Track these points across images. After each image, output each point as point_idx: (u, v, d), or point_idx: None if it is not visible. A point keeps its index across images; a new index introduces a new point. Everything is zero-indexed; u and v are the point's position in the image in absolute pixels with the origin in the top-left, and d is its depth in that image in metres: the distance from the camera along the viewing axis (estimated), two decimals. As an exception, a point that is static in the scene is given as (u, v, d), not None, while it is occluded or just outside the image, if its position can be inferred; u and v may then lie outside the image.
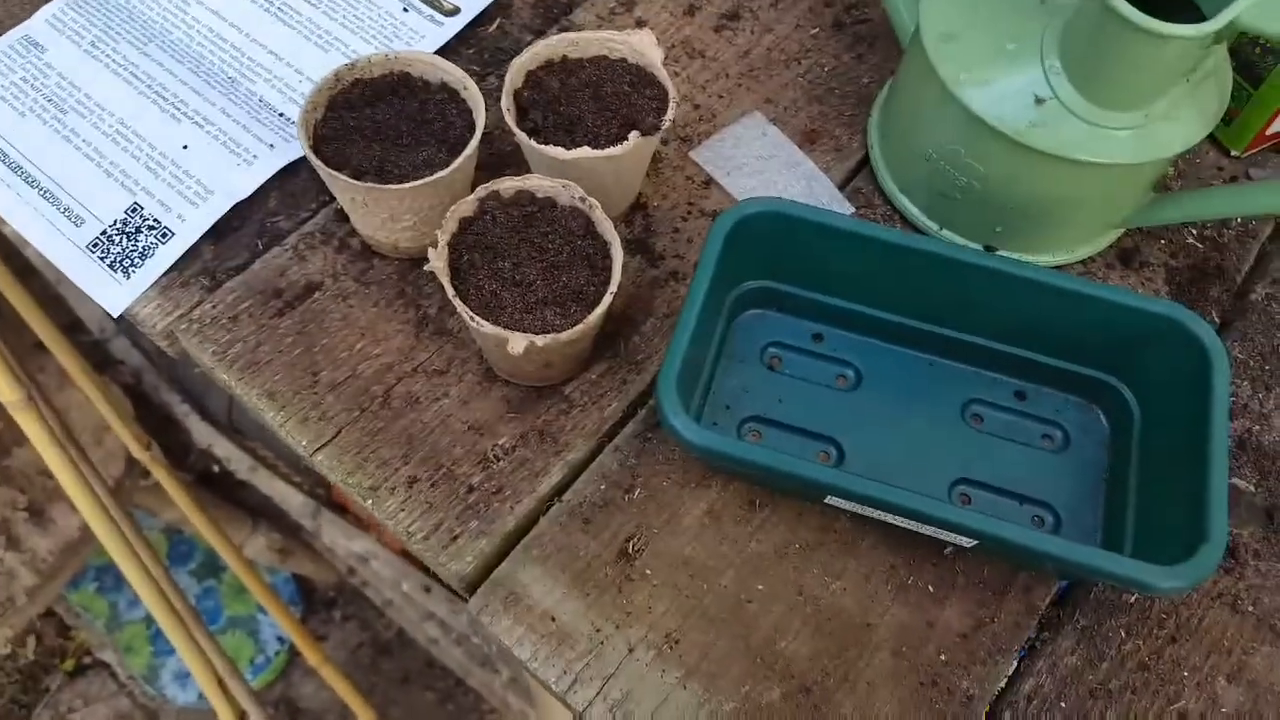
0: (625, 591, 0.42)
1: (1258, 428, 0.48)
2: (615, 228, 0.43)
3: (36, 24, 0.55)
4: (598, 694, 0.40)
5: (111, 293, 0.48)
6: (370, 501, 0.44)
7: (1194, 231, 0.54)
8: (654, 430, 0.46)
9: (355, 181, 0.43)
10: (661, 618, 0.42)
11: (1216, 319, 0.52)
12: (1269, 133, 0.55)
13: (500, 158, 0.53)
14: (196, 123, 0.52)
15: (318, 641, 1.05)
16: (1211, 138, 0.57)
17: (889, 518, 0.40)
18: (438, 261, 0.41)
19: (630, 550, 0.43)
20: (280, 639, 1.30)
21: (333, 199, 0.51)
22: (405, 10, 0.57)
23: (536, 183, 0.44)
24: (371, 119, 0.46)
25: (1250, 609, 0.44)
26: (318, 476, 1.20)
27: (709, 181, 0.54)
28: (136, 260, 0.49)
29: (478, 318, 0.40)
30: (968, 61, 0.45)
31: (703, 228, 0.52)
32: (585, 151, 0.44)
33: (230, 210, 0.50)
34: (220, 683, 0.81)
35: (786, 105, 0.57)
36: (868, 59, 0.59)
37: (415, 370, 0.47)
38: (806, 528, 0.44)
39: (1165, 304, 0.43)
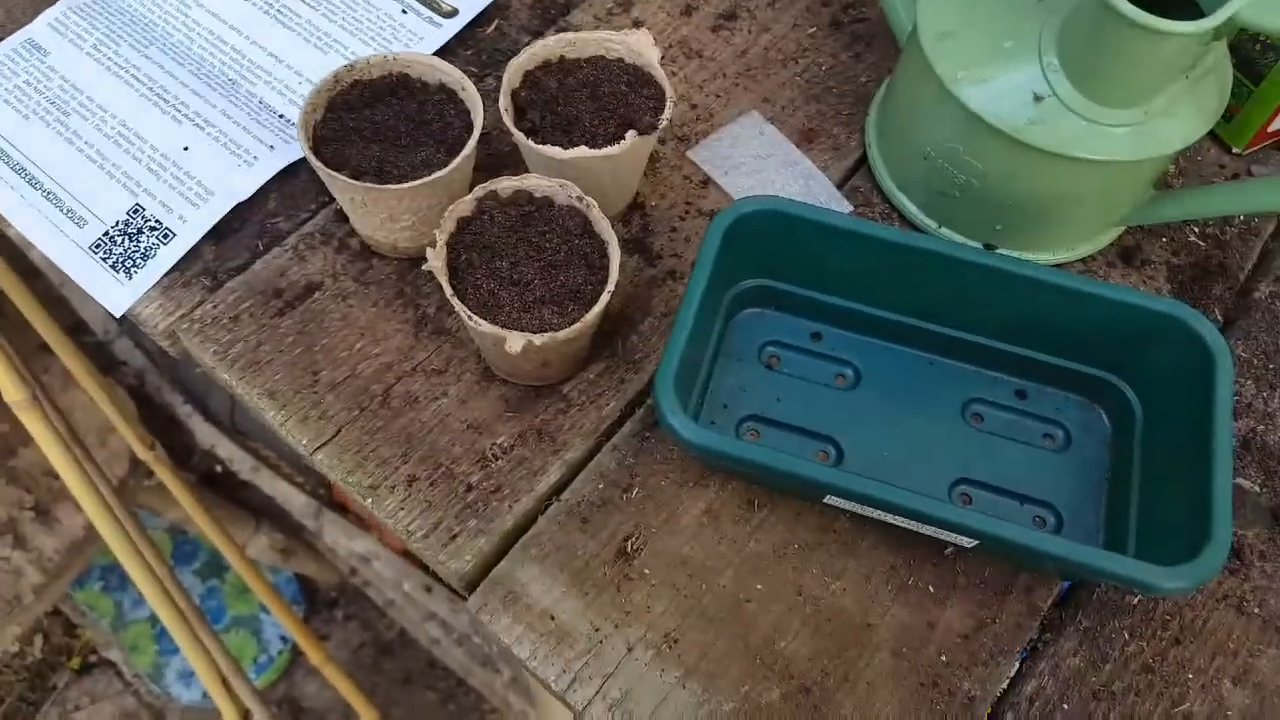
0: (624, 591, 0.42)
1: (1262, 427, 0.48)
2: (613, 227, 0.43)
3: (39, 27, 0.55)
4: (597, 693, 0.40)
5: (114, 293, 0.48)
6: (370, 500, 0.44)
7: (1196, 229, 0.54)
8: (652, 429, 0.46)
9: (354, 182, 0.43)
10: (660, 617, 0.42)
11: (1220, 317, 0.51)
12: (1270, 129, 0.55)
13: (499, 158, 0.53)
14: (197, 124, 0.52)
15: (320, 641, 1.06)
16: (1212, 135, 0.57)
17: (889, 518, 0.40)
18: (436, 261, 0.41)
19: (629, 549, 0.43)
20: (283, 638, 1.30)
21: (332, 200, 0.51)
22: (404, 12, 0.58)
23: (534, 182, 0.44)
24: (370, 120, 0.46)
25: (1256, 610, 0.44)
26: (320, 477, 1.20)
27: (706, 181, 0.54)
28: (138, 261, 0.49)
29: (475, 317, 0.40)
30: (965, 59, 0.45)
31: (700, 227, 0.52)
32: (582, 151, 0.44)
33: (231, 211, 0.50)
34: (224, 682, 0.81)
35: (784, 104, 0.57)
36: (865, 58, 0.59)
37: (414, 370, 0.47)
38: (806, 528, 0.44)
39: (1167, 302, 0.43)
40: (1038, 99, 0.44)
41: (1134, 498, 0.43)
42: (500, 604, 0.42)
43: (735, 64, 0.58)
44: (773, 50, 0.59)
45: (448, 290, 0.41)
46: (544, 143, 0.45)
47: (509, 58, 0.47)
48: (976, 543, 0.40)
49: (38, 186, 0.51)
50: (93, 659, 1.32)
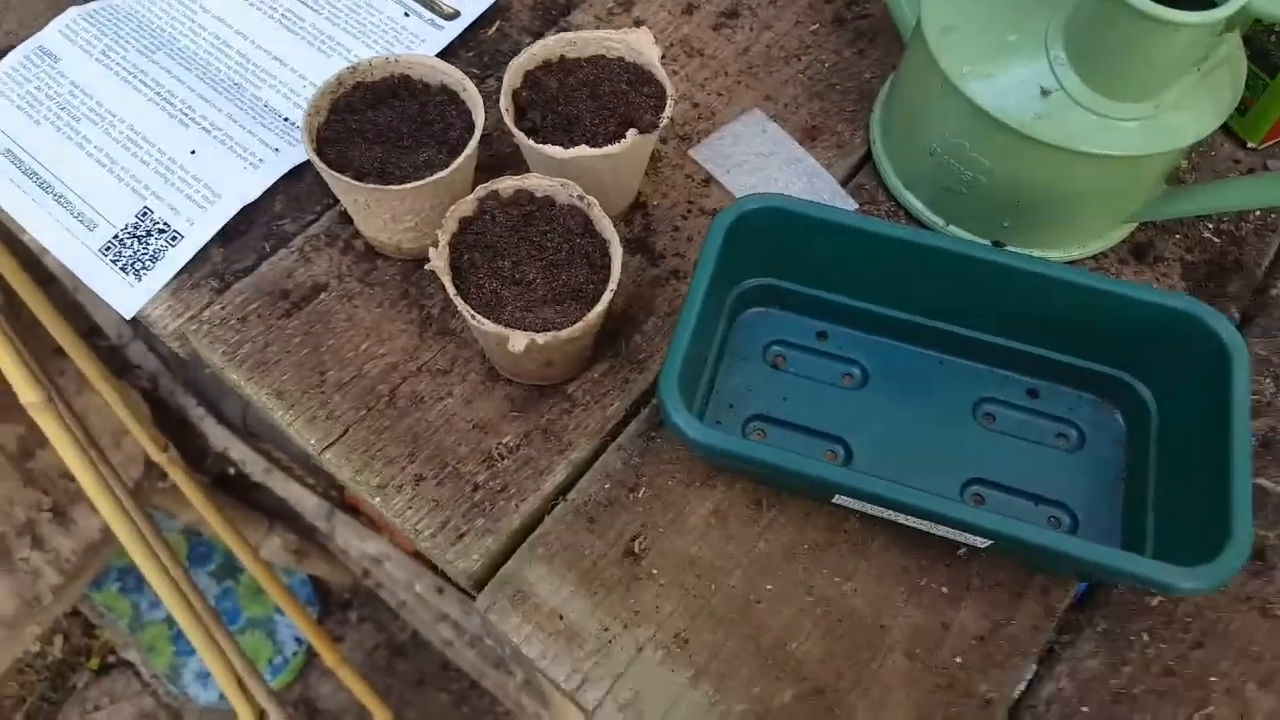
0: (632, 590, 0.42)
1: (1280, 426, 0.47)
2: (615, 227, 0.43)
3: (50, 34, 0.56)
4: (607, 693, 0.40)
5: (123, 295, 0.49)
6: (378, 499, 0.44)
7: (1210, 225, 0.53)
8: (657, 429, 0.46)
9: (357, 183, 0.43)
10: (669, 617, 0.42)
11: (1236, 314, 0.51)
12: (1286, 122, 0.54)
13: (500, 159, 0.53)
14: (204, 128, 0.53)
15: (335, 643, 1.06)
16: (1226, 129, 0.56)
17: (901, 518, 0.40)
18: (438, 261, 0.41)
19: (636, 549, 0.43)
20: (298, 640, 1.31)
21: (337, 202, 0.51)
22: (406, 15, 0.58)
23: (535, 182, 0.44)
24: (373, 121, 0.47)
25: (1280, 613, 0.43)
26: (331, 479, 1.20)
27: (709, 180, 0.54)
28: (147, 263, 0.49)
29: (479, 316, 0.40)
30: (970, 54, 0.45)
31: (703, 226, 0.52)
32: (583, 150, 0.44)
33: (238, 213, 0.50)
34: (240, 682, 0.81)
35: (787, 102, 0.56)
36: (869, 54, 0.58)
37: (419, 370, 0.47)
38: (815, 528, 0.44)
39: (1182, 298, 0.42)
40: (1045, 93, 0.44)
41: (1151, 498, 0.42)
42: (509, 603, 0.42)
43: (737, 62, 0.58)
44: (775, 48, 0.58)
45: (450, 290, 0.41)
46: (545, 142, 0.45)
47: (510, 59, 0.47)
48: (991, 543, 0.40)
49: (49, 190, 0.51)
50: (111, 659, 1.34)
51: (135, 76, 0.54)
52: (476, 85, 0.47)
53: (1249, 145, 0.56)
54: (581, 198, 0.43)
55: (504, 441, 0.45)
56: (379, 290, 0.49)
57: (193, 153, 0.52)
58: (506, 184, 0.44)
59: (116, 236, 0.50)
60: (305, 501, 1.23)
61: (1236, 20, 0.40)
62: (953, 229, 0.51)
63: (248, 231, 0.51)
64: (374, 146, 0.46)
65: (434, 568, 1.22)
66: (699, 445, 0.39)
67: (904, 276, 0.45)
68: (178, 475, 0.91)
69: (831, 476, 0.39)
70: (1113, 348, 0.44)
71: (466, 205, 0.43)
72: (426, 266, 0.42)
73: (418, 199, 0.44)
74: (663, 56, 0.53)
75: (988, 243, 0.50)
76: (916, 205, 0.52)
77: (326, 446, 0.45)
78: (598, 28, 0.58)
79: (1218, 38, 0.41)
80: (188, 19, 0.57)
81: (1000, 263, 0.43)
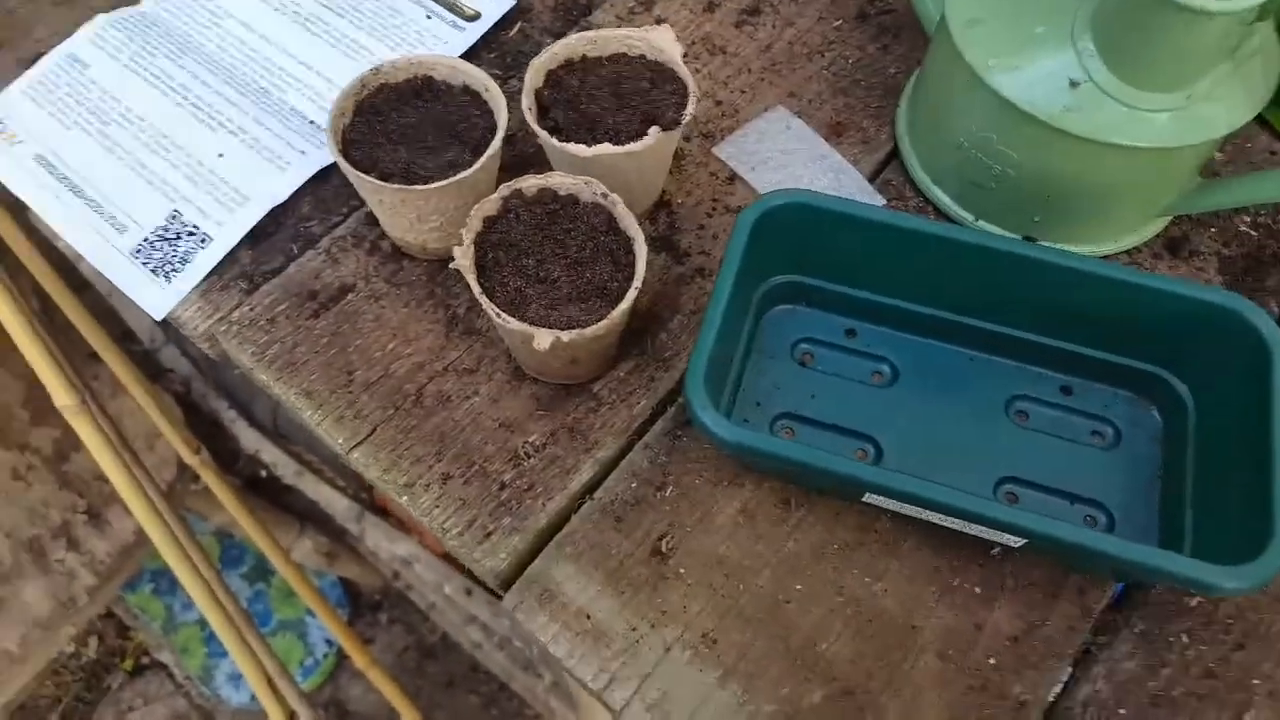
0: (660, 590, 0.42)
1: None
2: (639, 225, 0.43)
3: (79, 42, 0.57)
4: (635, 693, 0.40)
5: (154, 297, 0.49)
6: (405, 498, 0.44)
7: (1247, 218, 0.52)
8: (684, 428, 0.46)
9: (382, 184, 0.44)
10: (697, 617, 0.42)
11: (1276, 309, 0.50)
12: (1325, 112, 0.53)
13: (523, 159, 0.53)
14: (231, 131, 0.53)
15: (365, 645, 1.07)
16: (1261, 120, 0.55)
17: (933, 517, 0.39)
18: (463, 260, 0.41)
19: (663, 549, 0.43)
20: (328, 642, 1.32)
21: (363, 203, 0.52)
22: (429, 18, 0.58)
23: (559, 180, 0.44)
24: (397, 122, 0.47)
25: (1325, 613, 0.42)
26: (361, 480, 1.21)
27: (733, 177, 0.53)
28: (177, 265, 0.50)
29: (504, 314, 0.40)
30: (996, 47, 0.44)
31: (728, 224, 0.52)
32: (606, 148, 0.44)
33: (266, 215, 0.51)
34: (271, 684, 0.82)
35: (811, 99, 0.56)
36: (893, 49, 0.58)
37: (446, 369, 0.47)
38: (845, 527, 0.44)
39: (1220, 292, 0.41)
40: (1073, 85, 0.43)
41: (1189, 496, 0.42)
42: (536, 602, 0.42)
43: (760, 59, 0.58)
44: (798, 44, 0.58)
45: (475, 288, 0.41)
46: (568, 141, 0.45)
47: (532, 59, 0.47)
48: (1025, 543, 0.39)
49: (80, 194, 0.52)
50: (145, 661, 1.35)
51: (163, 82, 0.55)
52: (499, 86, 0.47)
53: (1287, 135, 0.55)
54: (605, 195, 0.43)
55: (530, 440, 0.45)
56: (405, 290, 0.49)
57: (221, 156, 0.53)
58: (530, 182, 0.44)
59: (146, 239, 0.51)
60: (336, 504, 1.24)
61: (1270, 8, 0.39)
62: (982, 224, 0.51)
63: (276, 233, 0.51)
64: (398, 148, 0.46)
65: (463, 569, 1.22)
66: (726, 443, 0.39)
67: (934, 272, 0.44)
68: (210, 478, 0.92)
69: (863, 475, 0.39)
70: (1149, 344, 0.44)
71: (491, 204, 0.43)
72: (451, 265, 0.42)
73: (442, 199, 0.45)
74: (685, 54, 0.53)
75: (1018, 237, 0.50)
76: (944, 200, 0.51)
77: (354, 446, 0.45)
78: (619, 27, 0.58)
79: (1251, 26, 0.40)
80: (214, 25, 0.58)
81: (1032, 257, 0.42)
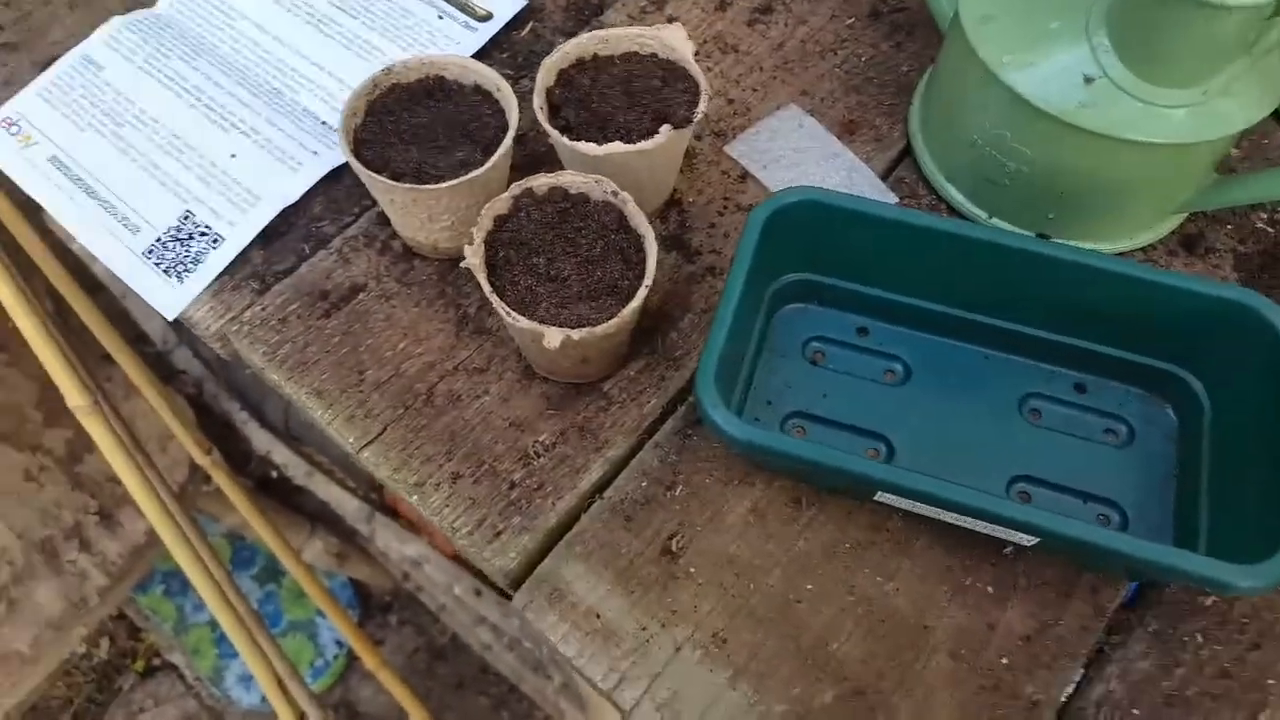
0: (670, 589, 0.42)
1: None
2: (650, 224, 0.43)
3: (94, 44, 0.57)
4: (644, 693, 0.40)
5: (166, 297, 0.49)
6: (415, 497, 0.44)
7: (1264, 215, 0.52)
8: (694, 427, 0.46)
9: (393, 183, 0.44)
10: (708, 617, 0.41)
11: (1291, 306, 0.49)
12: (1343, 108, 0.52)
13: (534, 158, 0.53)
14: (244, 132, 0.54)
15: (375, 646, 1.07)
16: (1278, 116, 0.54)
17: (946, 516, 0.39)
18: (474, 258, 0.41)
19: (673, 548, 0.43)
20: (339, 643, 1.32)
21: (375, 203, 0.52)
22: (440, 18, 0.58)
23: (569, 179, 0.44)
24: (409, 122, 0.47)
25: (1341, 613, 0.41)
26: (371, 481, 1.21)
27: (745, 176, 0.53)
28: (189, 265, 0.50)
29: (514, 313, 0.40)
30: (1010, 43, 0.44)
31: (739, 222, 0.51)
32: (617, 146, 0.44)
33: (278, 216, 0.51)
34: (281, 685, 0.82)
35: (823, 97, 0.56)
36: (906, 47, 0.58)
37: (456, 368, 0.47)
38: (856, 526, 0.43)
39: (1236, 289, 0.41)
40: (1088, 81, 0.43)
41: (1204, 494, 0.41)
42: (546, 601, 0.42)
43: (772, 57, 0.57)
44: (810, 42, 0.58)
45: (486, 287, 0.41)
46: (579, 140, 0.45)
47: (543, 59, 0.47)
48: (1037, 541, 0.39)
49: (93, 195, 0.52)
50: (156, 662, 1.36)
51: (176, 83, 0.55)
52: (510, 86, 0.47)
53: (1303, 132, 0.54)
54: (615, 194, 0.43)
55: (540, 439, 0.45)
56: (416, 290, 0.49)
57: (233, 157, 0.53)
58: (541, 181, 0.44)
59: (159, 239, 0.51)
60: (346, 505, 1.25)
61: (1290, 1, 0.38)
62: (995, 221, 0.50)
63: (287, 233, 0.51)
64: (410, 147, 0.46)
65: (473, 570, 1.22)
66: (737, 442, 0.39)
67: (946, 270, 0.44)
68: (221, 479, 0.92)
69: (875, 473, 0.39)
70: (1164, 341, 0.43)
71: (501, 203, 0.43)
72: (462, 264, 0.42)
73: (454, 198, 0.45)
74: (696, 53, 0.53)
75: (1032, 235, 0.49)
76: (958, 198, 0.51)
77: (365, 445, 0.45)
78: (631, 26, 0.58)
79: (1270, 21, 0.40)
80: (227, 26, 0.58)
81: (1046, 254, 0.42)
